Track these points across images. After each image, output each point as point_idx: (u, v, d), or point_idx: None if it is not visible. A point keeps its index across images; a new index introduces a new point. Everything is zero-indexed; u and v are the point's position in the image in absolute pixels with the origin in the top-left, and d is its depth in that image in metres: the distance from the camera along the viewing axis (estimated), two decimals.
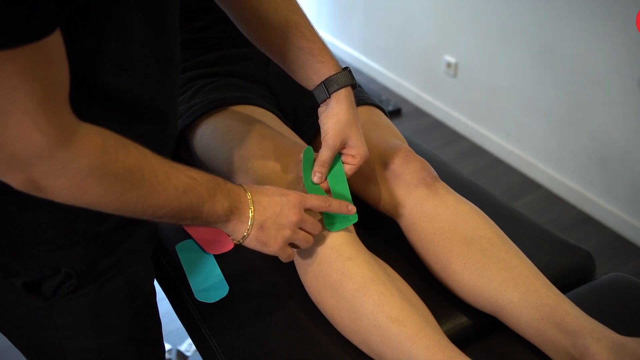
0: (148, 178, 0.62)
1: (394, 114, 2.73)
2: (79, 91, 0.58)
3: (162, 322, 0.92)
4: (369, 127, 1.00)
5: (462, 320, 0.88)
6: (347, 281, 0.79)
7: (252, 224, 0.73)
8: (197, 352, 0.94)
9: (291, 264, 0.88)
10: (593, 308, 0.81)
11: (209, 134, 0.99)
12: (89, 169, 0.57)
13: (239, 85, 1.08)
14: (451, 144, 2.53)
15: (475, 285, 0.83)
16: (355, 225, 0.86)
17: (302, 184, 0.87)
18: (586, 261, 0.99)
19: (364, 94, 1.11)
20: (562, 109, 2.06)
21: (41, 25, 0.49)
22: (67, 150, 0.55)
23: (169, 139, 0.80)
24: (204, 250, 0.97)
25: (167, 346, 1.62)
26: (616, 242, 1.99)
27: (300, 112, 1.12)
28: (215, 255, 0.97)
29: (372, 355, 0.79)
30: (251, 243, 0.75)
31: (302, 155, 0.88)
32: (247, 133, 0.96)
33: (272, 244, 0.75)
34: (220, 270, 0.94)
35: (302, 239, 0.78)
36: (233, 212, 0.72)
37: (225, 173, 0.97)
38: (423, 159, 0.93)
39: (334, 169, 0.87)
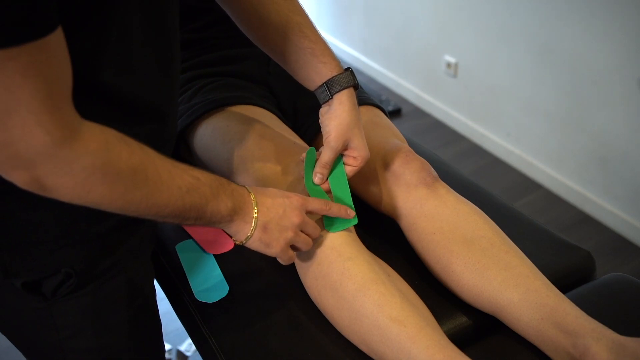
0: (152, 177, 0.62)
1: (394, 114, 2.73)
2: (78, 91, 0.58)
3: (162, 322, 0.92)
4: (369, 127, 0.99)
5: (462, 320, 0.88)
6: (347, 281, 0.79)
7: (255, 225, 0.73)
8: (197, 352, 0.94)
9: (291, 264, 0.87)
10: (593, 308, 0.81)
11: (209, 134, 0.99)
12: (92, 167, 0.57)
13: (239, 85, 1.08)
14: (451, 144, 2.53)
15: (475, 285, 0.83)
16: (355, 225, 0.86)
17: (303, 184, 0.87)
18: (586, 261, 0.99)
19: (364, 94, 1.11)
20: (562, 109, 2.06)
21: (42, 23, 0.49)
22: (70, 148, 0.55)
23: (168, 139, 0.80)
24: (204, 250, 0.97)
25: (167, 346, 1.62)
26: (616, 242, 1.99)
27: (300, 112, 1.12)
28: (215, 255, 0.97)
29: (372, 355, 0.79)
30: (254, 244, 0.75)
31: (304, 155, 0.88)
32: (247, 133, 0.96)
33: (274, 246, 0.75)
34: (220, 271, 0.94)
35: (302, 241, 0.78)
36: (237, 212, 0.72)
37: (225, 173, 0.97)
38: (423, 159, 0.93)
39: (335, 170, 0.87)
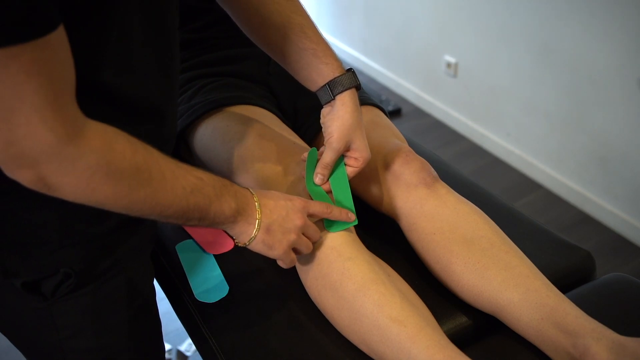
0: (155, 176, 0.62)
1: (394, 114, 2.73)
2: (78, 90, 0.58)
3: (162, 322, 0.92)
4: (369, 128, 0.99)
5: (462, 320, 0.88)
6: (347, 281, 0.79)
7: (259, 226, 0.73)
8: (197, 352, 0.94)
9: None
10: (593, 308, 0.81)
11: (209, 134, 0.99)
12: (97, 165, 0.57)
13: (239, 85, 1.08)
14: (451, 144, 2.53)
15: (475, 285, 0.83)
16: (355, 225, 0.86)
17: (303, 184, 0.87)
18: (586, 261, 0.99)
19: (365, 94, 1.11)
20: (562, 109, 2.06)
21: (44, 21, 0.50)
22: (75, 146, 0.55)
23: (168, 139, 0.80)
24: (204, 250, 0.97)
25: (167, 346, 1.62)
26: (616, 242, 1.99)
27: (300, 112, 1.12)
28: (215, 255, 0.97)
29: (372, 355, 0.79)
30: (257, 246, 0.75)
31: (305, 154, 0.88)
32: (247, 133, 0.96)
33: (277, 247, 0.75)
34: (220, 271, 0.94)
35: (304, 244, 0.78)
36: (240, 213, 0.72)
37: (225, 173, 0.97)
38: (423, 159, 0.93)
39: (336, 171, 0.87)
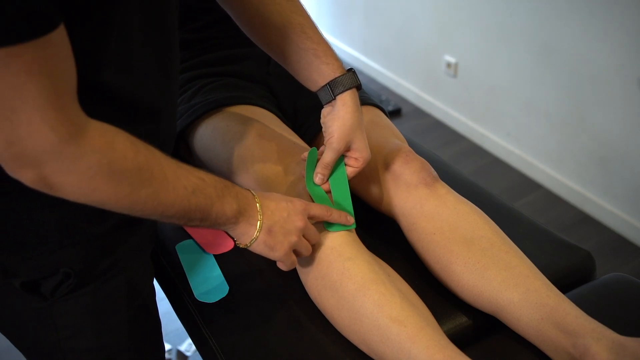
0: (157, 176, 0.62)
1: (394, 114, 2.73)
2: (78, 90, 0.58)
3: (162, 322, 0.92)
4: (369, 128, 0.99)
5: (462, 320, 0.88)
6: (347, 281, 0.79)
7: (260, 227, 0.73)
8: (197, 352, 0.94)
9: None
10: (593, 308, 0.81)
11: (209, 134, 0.99)
12: (98, 165, 0.57)
13: (239, 85, 1.08)
14: (451, 144, 2.53)
15: (475, 285, 0.83)
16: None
17: (303, 183, 0.87)
18: (586, 261, 0.99)
19: (365, 94, 1.11)
20: (562, 109, 2.06)
21: (44, 20, 0.50)
22: (77, 145, 0.55)
23: (168, 139, 0.80)
24: (204, 250, 0.97)
25: (167, 346, 1.62)
26: (616, 242, 1.99)
27: (300, 112, 1.12)
28: (215, 255, 0.97)
29: (372, 355, 0.79)
30: (258, 247, 0.75)
31: (306, 154, 0.88)
32: (247, 133, 0.96)
33: (279, 249, 0.75)
34: (220, 271, 0.94)
35: (304, 246, 0.78)
36: (242, 213, 0.72)
37: (225, 173, 0.97)
38: (423, 159, 0.93)
39: (337, 171, 0.87)
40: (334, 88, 0.83)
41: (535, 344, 0.80)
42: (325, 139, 0.85)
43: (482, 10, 2.23)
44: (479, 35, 2.29)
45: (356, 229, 0.88)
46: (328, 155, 0.84)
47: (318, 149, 0.88)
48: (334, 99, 0.84)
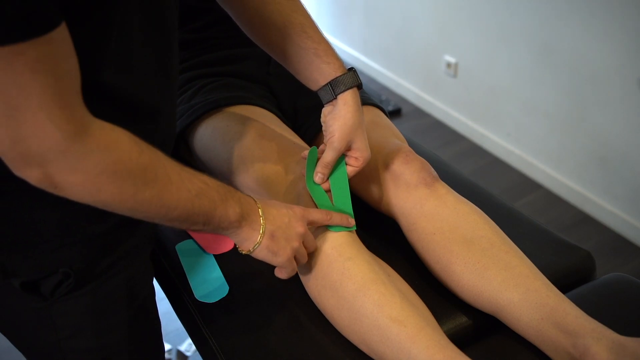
0: (161, 177, 0.62)
1: (394, 114, 2.73)
2: None
3: (162, 322, 0.92)
4: (369, 128, 0.99)
5: (462, 320, 0.88)
6: (347, 281, 0.79)
7: (263, 232, 0.73)
8: (197, 352, 0.94)
9: None
10: (593, 308, 0.81)
11: (209, 134, 0.99)
12: (103, 164, 0.57)
13: (239, 85, 1.08)
14: (451, 144, 2.53)
15: (475, 285, 0.83)
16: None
17: (304, 183, 0.87)
18: (586, 261, 0.99)
19: (365, 94, 1.11)
20: (562, 109, 2.06)
21: (45, 19, 0.50)
22: (82, 144, 0.55)
23: (168, 139, 0.79)
24: (204, 251, 0.97)
25: (167, 346, 1.62)
26: (616, 242, 1.99)
27: (300, 112, 1.12)
28: (215, 256, 0.97)
29: (372, 355, 0.79)
30: (261, 253, 0.75)
31: (306, 153, 0.88)
32: (247, 133, 0.96)
33: (281, 254, 0.75)
34: (220, 271, 0.94)
35: (302, 253, 0.78)
36: (245, 218, 0.72)
37: (225, 173, 0.97)
38: (423, 159, 0.93)
39: (337, 170, 0.87)
40: (335, 87, 0.83)
41: (535, 344, 0.80)
42: (326, 138, 0.85)
43: (482, 10, 2.23)
44: (479, 35, 2.29)
45: (356, 230, 0.88)
46: (329, 154, 0.84)
47: (318, 148, 0.88)
48: (335, 98, 0.84)
